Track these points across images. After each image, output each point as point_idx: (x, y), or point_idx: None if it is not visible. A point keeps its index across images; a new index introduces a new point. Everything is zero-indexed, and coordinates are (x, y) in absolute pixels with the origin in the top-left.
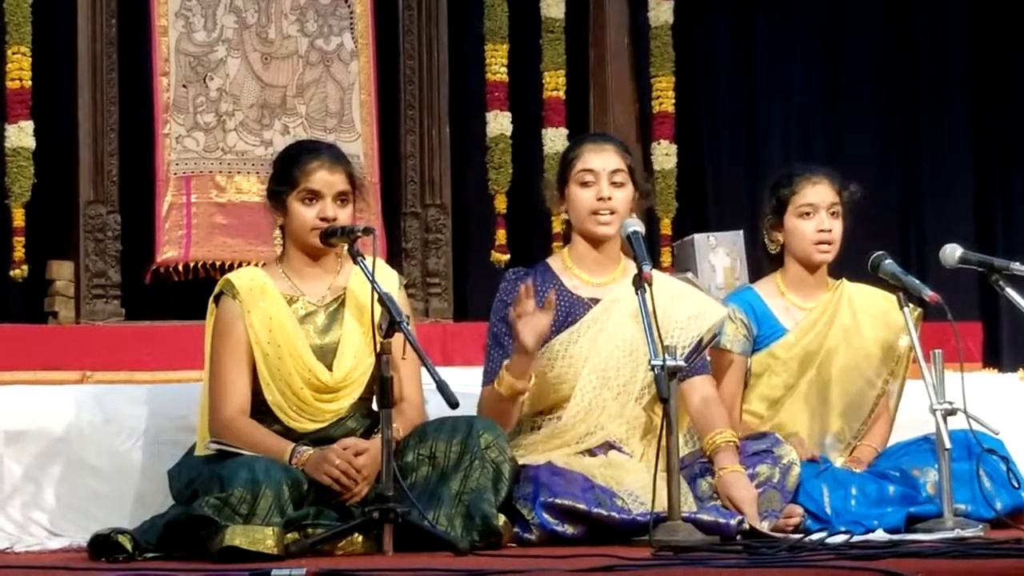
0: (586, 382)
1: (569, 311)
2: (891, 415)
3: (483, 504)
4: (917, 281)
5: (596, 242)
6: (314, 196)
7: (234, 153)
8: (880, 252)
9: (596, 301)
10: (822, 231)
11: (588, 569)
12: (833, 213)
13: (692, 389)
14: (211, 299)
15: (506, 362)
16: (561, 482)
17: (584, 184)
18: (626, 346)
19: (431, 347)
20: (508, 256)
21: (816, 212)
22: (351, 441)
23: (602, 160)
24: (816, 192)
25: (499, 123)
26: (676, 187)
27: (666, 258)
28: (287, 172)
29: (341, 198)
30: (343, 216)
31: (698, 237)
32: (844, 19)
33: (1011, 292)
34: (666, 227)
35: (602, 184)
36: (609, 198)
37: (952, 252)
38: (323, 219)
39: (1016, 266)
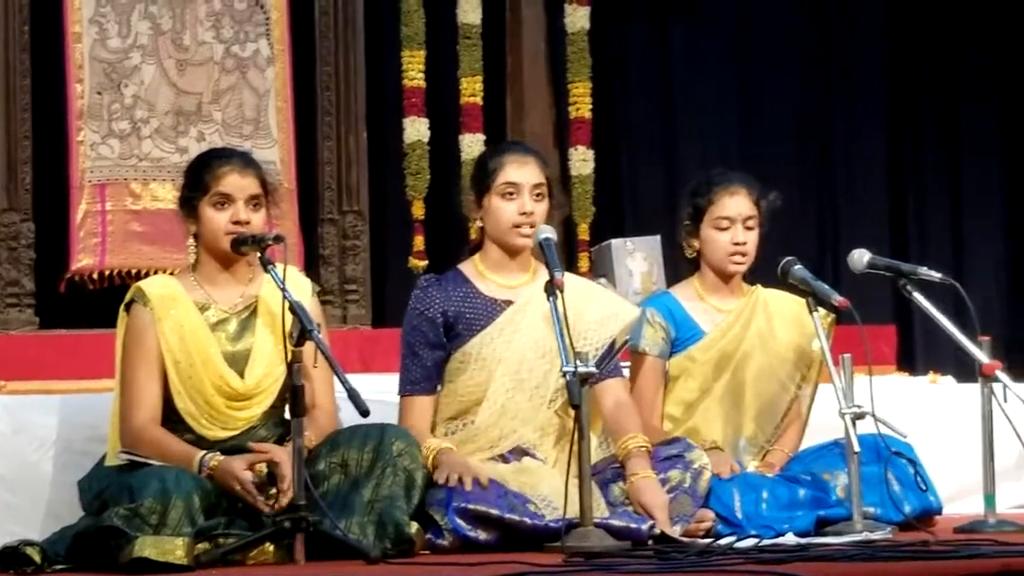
0: (499, 384)
1: (483, 314)
2: (803, 419)
3: (395, 512)
4: (826, 286)
5: (512, 253)
6: (226, 200)
7: (149, 160)
8: (790, 258)
9: (509, 303)
10: (737, 244)
11: (500, 575)
12: (749, 227)
13: (605, 392)
14: (122, 307)
15: (442, 446)
16: (474, 488)
17: (506, 196)
18: (539, 348)
19: (350, 354)
20: (426, 262)
21: (732, 224)
22: (263, 447)
23: (525, 174)
24: (734, 204)
25: (416, 129)
26: (593, 192)
27: (584, 263)
28: (198, 178)
29: (253, 202)
30: (256, 220)
31: (615, 242)
32: (759, 24)
33: (918, 296)
34: (584, 232)
35: (525, 198)
36: (532, 212)
37: (860, 257)
38: (236, 223)
39: (923, 271)
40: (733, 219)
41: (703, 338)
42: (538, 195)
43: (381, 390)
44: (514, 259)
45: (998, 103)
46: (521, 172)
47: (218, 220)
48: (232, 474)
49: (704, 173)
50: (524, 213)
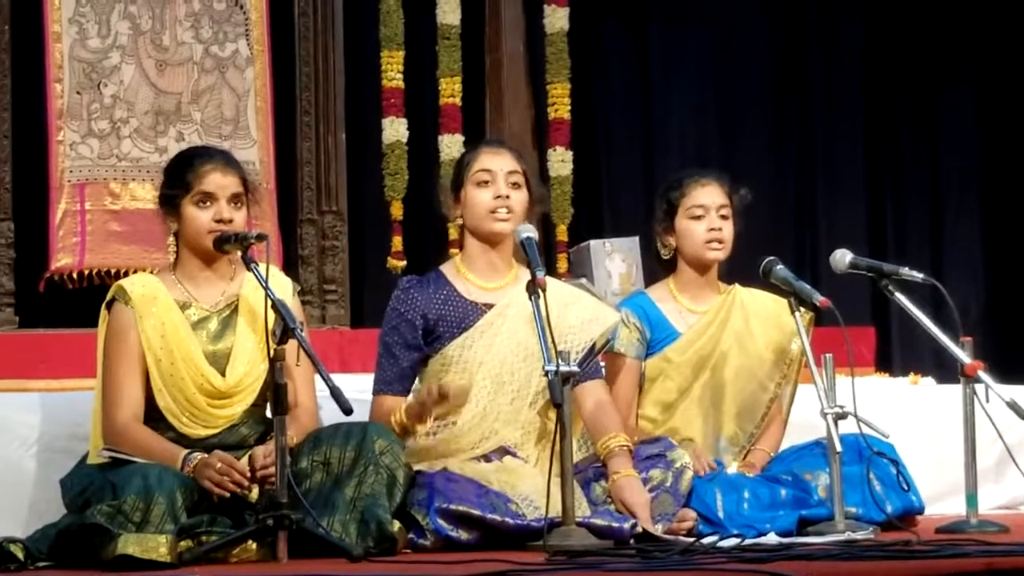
0: (481, 387)
1: (463, 317)
2: (783, 419)
3: (377, 510)
4: (808, 286)
5: (492, 242)
6: (208, 198)
7: (128, 160)
8: (771, 258)
9: (490, 306)
10: (712, 230)
11: (482, 574)
12: (723, 215)
13: (585, 394)
14: (103, 306)
15: (404, 403)
16: (455, 488)
17: (481, 184)
18: (520, 351)
19: (329, 354)
20: (404, 263)
21: (707, 213)
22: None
23: (499, 162)
24: (706, 193)
25: (395, 129)
26: (572, 193)
27: (562, 264)
28: (180, 176)
29: (235, 200)
30: (238, 218)
31: (594, 243)
32: (738, 25)
33: (900, 297)
34: (562, 233)
35: (500, 183)
36: (507, 196)
37: (842, 257)
38: (218, 221)
39: (905, 271)
40: (707, 207)
41: (678, 339)
42: (514, 183)
43: (360, 389)
44: (495, 250)
45: (977, 101)
46: (495, 160)
47: (201, 218)
48: (207, 463)
49: (675, 173)
50: (499, 197)
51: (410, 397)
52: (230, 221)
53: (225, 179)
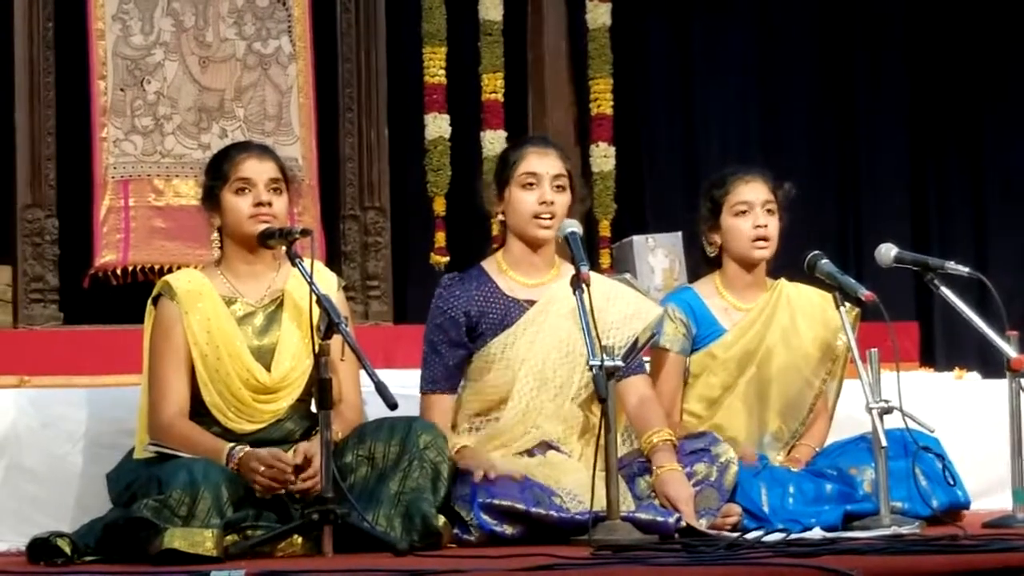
0: (523, 384)
1: (506, 314)
2: (829, 414)
3: (422, 504)
4: (853, 280)
5: (534, 245)
6: (246, 185)
7: (172, 157)
8: (816, 252)
9: (532, 303)
10: (758, 227)
11: (527, 568)
12: (768, 210)
13: (629, 389)
14: (149, 301)
15: (465, 446)
16: (500, 482)
17: (526, 187)
18: (563, 347)
19: (371, 350)
20: (447, 258)
21: (751, 209)
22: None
23: (545, 164)
24: (750, 190)
25: (437, 125)
26: (615, 189)
27: (605, 259)
28: (218, 169)
29: (274, 185)
30: (278, 204)
31: (637, 239)
32: (780, 19)
33: (946, 291)
34: (605, 229)
35: (545, 188)
36: (552, 202)
37: (887, 251)
38: (258, 204)
39: (951, 265)
40: (752, 203)
41: (724, 336)
42: (558, 186)
43: (404, 384)
44: (537, 253)
45: (1022, 93)
46: (541, 162)
47: (241, 205)
48: (254, 455)
49: (718, 171)
50: (544, 203)
51: (459, 440)
52: (269, 204)
53: (262, 164)
